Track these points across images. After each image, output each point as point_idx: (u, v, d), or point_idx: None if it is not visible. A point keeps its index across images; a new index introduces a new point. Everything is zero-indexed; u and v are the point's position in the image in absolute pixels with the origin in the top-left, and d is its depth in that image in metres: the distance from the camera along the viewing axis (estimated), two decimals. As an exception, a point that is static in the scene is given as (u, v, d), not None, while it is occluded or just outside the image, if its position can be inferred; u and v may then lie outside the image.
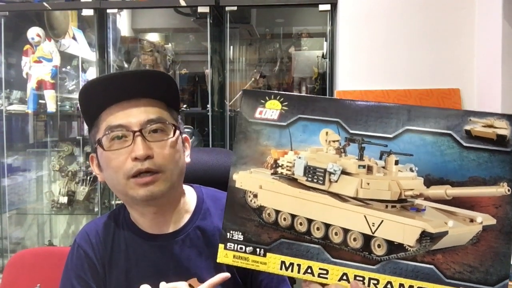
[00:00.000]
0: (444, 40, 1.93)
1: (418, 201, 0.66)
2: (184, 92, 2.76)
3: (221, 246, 0.72)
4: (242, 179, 0.72)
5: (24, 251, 1.83)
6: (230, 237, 0.72)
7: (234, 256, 0.71)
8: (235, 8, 2.14)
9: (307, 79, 2.48)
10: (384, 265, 0.66)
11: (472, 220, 0.64)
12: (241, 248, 0.71)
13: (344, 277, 0.67)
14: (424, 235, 0.64)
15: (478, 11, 1.91)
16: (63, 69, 2.51)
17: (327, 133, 0.69)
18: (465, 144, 0.64)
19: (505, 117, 0.63)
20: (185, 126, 2.43)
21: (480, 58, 1.89)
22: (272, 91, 0.73)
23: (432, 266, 0.65)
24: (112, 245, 0.91)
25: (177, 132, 0.87)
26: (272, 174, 0.71)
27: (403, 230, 0.65)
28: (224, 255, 0.72)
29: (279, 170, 0.71)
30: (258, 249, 0.71)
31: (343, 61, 2.01)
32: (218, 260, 0.72)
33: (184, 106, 2.58)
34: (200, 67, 2.64)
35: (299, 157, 0.70)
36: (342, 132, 0.68)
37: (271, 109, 0.71)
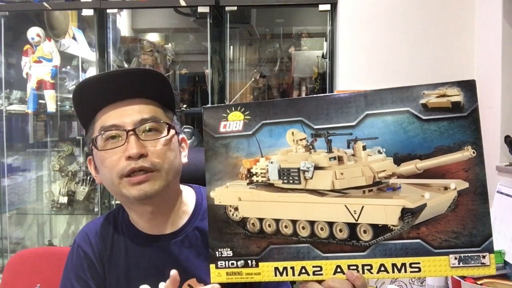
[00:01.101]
0: (444, 40, 1.94)
1: (392, 181, 0.67)
2: (184, 92, 2.76)
3: (212, 266, 0.72)
4: (220, 195, 0.72)
5: (24, 251, 1.83)
6: (220, 255, 0.72)
7: (227, 273, 0.71)
8: (235, 8, 2.14)
9: (307, 79, 2.48)
10: (374, 249, 0.67)
11: (446, 188, 0.65)
12: (232, 264, 0.71)
13: (338, 270, 0.68)
14: (405, 212, 0.66)
15: (478, 11, 1.91)
16: (63, 69, 2.51)
17: (293, 133, 0.70)
18: (424, 117, 0.65)
19: (456, 84, 0.65)
20: (185, 126, 2.43)
21: (480, 58, 1.89)
22: (232, 104, 0.73)
23: (419, 240, 0.66)
24: (111, 245, 0.91)
25: (172, 131, 0.86)
26: (248, 184, 0.71)
27: (384, 211, 0.66)
28: (217, 275, 0.71)
29: (254, 178, 0.71)
30: (249, 261, 0.71)
31: (343, 61, 2.01)
32: (212, 281, 0.72)
33: (184, 106, 2.57)
34: (200, 67, 2.64)
35: (271, 162, 0.71)
36: (307, 129, 0.69)
37: (234, 121, 0.72)
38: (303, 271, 0.69)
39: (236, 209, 0.72)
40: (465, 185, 0.65)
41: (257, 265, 0.70)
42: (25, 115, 2.52)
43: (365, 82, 1.96)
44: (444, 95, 0.65)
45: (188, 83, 2.80)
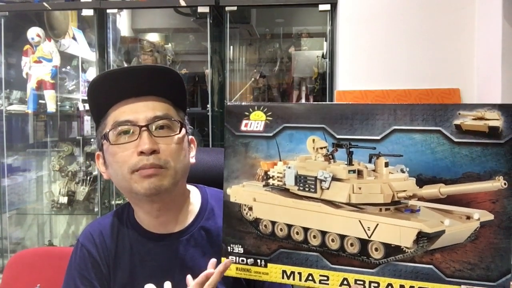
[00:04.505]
0: (444, 40, 1.93)
1: (412, 202, 0.65)
2: (184, 92, 2.76)
3: (223, 259, 0.73)
4: (236, 193, 0.73)
5: (24, 251, 1.83)
6: (231, 250, 0.73)
7: (237, 269, 0.73)
8: (235, 8, 2.14)
9: (307, 79, 2.48)
10: (383, 268, 0.66)
11: (469, 217, 0.63)
12: (242, 261, 0.72)
13: (345, 282, 0.68)
14: (420, 235, 0.64)
15: (478, 11, 1.91)
16: (63, 69, 2.51)
17: (313, 140, 0.69)
18: (456, 140, 0.62)
19: (496, 107, 0.61)
20: (185, 126, 2.43)
21: (480, 58, 1.89)
22: (255, 103, 0.73)
23: (431, 266, 0.64)
24: (116, 244, 0.91)
25: (183, 129, 0.87)
26: (264, 186, 0.72)
27: (399, 232, 0.65)
28: (228, 269, 0.73)
29: (271, 181, 0.71)
30: (259, 261, 0.72)
31: (343, 61, 2.01)
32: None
33: (184, 106, 2.57)
34: (200, 67, 2.64)
35: (289, 167, 0.70)
36: (329, 138, 0.68)
37: (256, 121, 0.71)
38: (310, 278, 0.69)
39: (250, 208, 0.72)
40: (490, 217, 0.62)
41: (265, 266, 0.71)
42: (25, 115, 2.52)
43: (365, 82, 1.96)
44: (481, 118, 0.61)
45: (188, 83, 2.80)
